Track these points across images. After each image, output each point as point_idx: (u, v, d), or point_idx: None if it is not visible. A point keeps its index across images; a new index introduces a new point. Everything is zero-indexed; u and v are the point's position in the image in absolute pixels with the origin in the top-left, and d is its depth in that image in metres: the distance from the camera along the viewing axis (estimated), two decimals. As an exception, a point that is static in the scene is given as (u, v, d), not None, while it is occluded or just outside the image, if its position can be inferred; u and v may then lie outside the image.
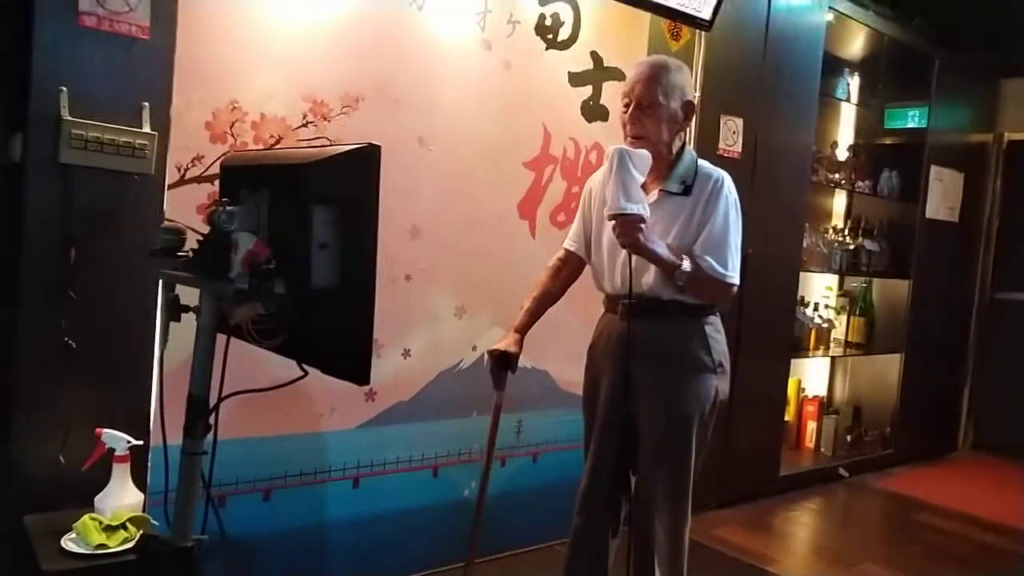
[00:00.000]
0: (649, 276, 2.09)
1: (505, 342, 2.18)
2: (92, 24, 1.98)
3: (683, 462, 2.12)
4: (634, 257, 2.04)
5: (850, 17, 4.20)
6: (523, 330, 2.21)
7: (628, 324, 2.12)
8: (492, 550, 2.88)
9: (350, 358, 1.43)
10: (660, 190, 2.12)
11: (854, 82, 4.71)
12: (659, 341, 2.12)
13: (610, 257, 2.18)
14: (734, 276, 2.09)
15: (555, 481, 3.07)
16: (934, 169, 4.91)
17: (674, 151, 2.15)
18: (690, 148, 2.18)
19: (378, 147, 1.37)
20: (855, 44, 4.57)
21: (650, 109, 2.07)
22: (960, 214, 5.19)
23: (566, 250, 2.33)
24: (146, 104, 2.06)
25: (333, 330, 1.42)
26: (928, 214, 4.91)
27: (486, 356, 2.23)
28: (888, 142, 5.06)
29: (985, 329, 5.51)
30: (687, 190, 2.10)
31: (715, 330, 2.18)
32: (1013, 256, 5.42)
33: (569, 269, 2.32)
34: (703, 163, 2.17)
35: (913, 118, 4.97)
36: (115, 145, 2.00)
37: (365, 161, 1.37)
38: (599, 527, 2.24)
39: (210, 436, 1.53)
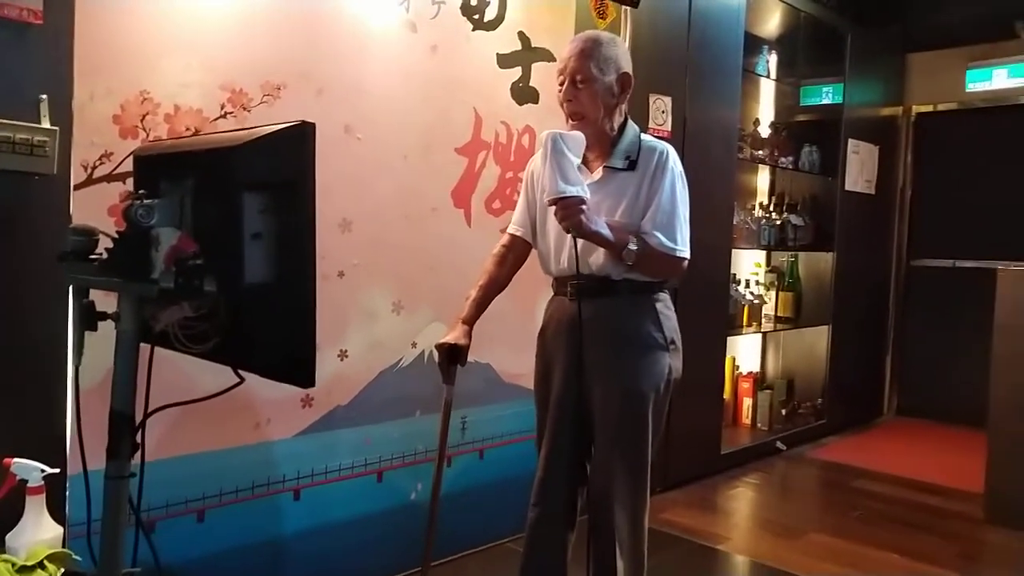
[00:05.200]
0: (598, 256, 2.05)
1: (453, 334, 2.09)
2: (-25, 9, 1.79)
3: (640, 442, 2.08)
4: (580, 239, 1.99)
5: (767, -7, 4.25)
6: (471, 321, 2.13)
7: (578, 305, 2.05)
8: (443, 552, 2.78)
9: (292, 359, 1.31)
10: (604, 167, 2.07)
11: (773, 59, 4.76)
12: (610, 321, 2.07)
13: (557, 239, 2.12)
14: (684, 250, 2.06)
15: (504, 476, 3.00)
16: (851, 143, 5.02)
17: (615, 126, 2.10)
18: (632, 123, 2.13)
19: (312, 125, 1.26)
20: (772, 21, 4.63)
21: (584, 84, 2.02)
22: (876, 186, 5.33)
23: (511, 235, 2.25)
24: (44, 96, 1.88)
25: (271, 329, 1.29)
26: (847, 187, 5.03)
27: (434, 350, 2.14)
28: (807, 118, 5.15)
29: (903, 296, 5.69)
30: (632, 165, 2.06)
31: (665, 307, 2.14)
32: (925, 224, 5.62)
33: (515, 255, 2.24)
34: (646, 137, 2.12)
35: (827, 94, 5.08)
36: (10, 143, 1.81)
37: (298, 141, 1.25)
38: (556, 519, 2.18)
39: (137, 456, 1.39)
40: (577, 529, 2.21)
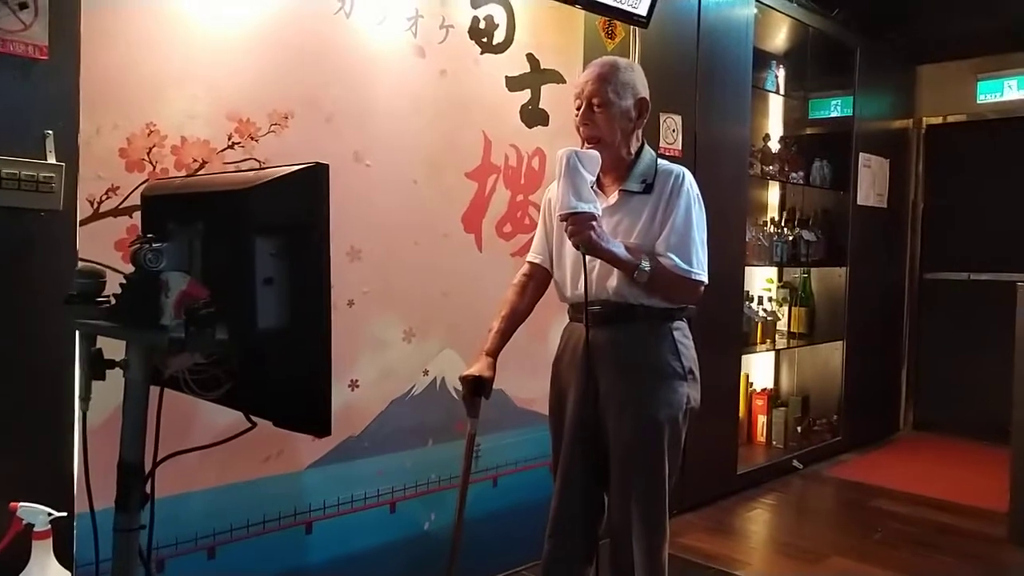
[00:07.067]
0: (613, 280, 2.02)
1: (478, 367, 2.07)
2: (-20, 45, 1.76)
3: (656, 474, 2.03)
4: (598, 262, 1.98)
5: (775, 9, 4.21)
6: (495, 353, 2.11)
7: (591, 332, 2.02)
8: (459, 583, 2.73)
9: (307, 406, 1.27)
10: (621, 190, 2.06)
11: (781, 74, 4.73)
12: (626, 348, 2.04)
13: (574, 266, 2.08)
14: (701, 273, 2.02)
15: (518, 503, 2.95)
16: (862, 156, 4.97)
17: (632, 151, 2.08)
18: (649, 148, 2.10)
19: (326, 167, 1.22)
20: (780, 36, 4.59)
21: (601, 108, 2.01)
22: (888, 199, 5.28)
23: (531, 264, 2.24)
24: (50, 132, 1.85)
25: (285, 376, 1.25)
26: (859, 201, 4.97)
27: (458, 382, 2.12)
28: (817, 132, 5.11)
29: (917, 310, 5.63)
30: (648, 188, 2.04)
31: (683, 335, 2.11)
32: (938, 237, 5.57)
33: (535, 284, 2.22)
34: (663, 161, 2.11)
35: (836, 107, 5.04)
36: (16, 180, 1.78)
37: (312, 183, 1.21)
38: (572, 551, 2.13)
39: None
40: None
